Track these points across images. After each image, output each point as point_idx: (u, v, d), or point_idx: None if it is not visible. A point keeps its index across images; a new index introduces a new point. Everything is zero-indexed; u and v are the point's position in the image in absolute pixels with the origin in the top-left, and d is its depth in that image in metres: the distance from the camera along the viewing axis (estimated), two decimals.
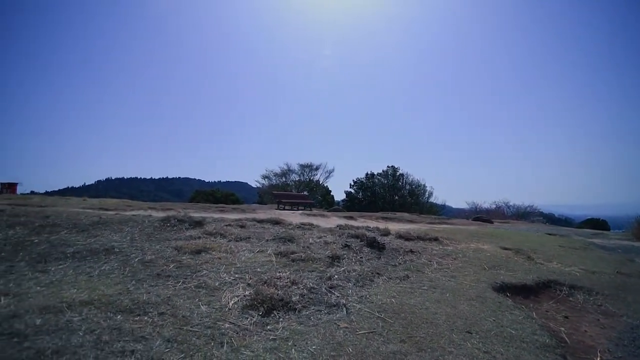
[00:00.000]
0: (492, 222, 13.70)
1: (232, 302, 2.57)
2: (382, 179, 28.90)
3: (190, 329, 2.13)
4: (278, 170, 29.67)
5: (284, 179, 29.56)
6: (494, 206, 26.39)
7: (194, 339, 2.02)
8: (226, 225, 5.47)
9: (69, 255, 3.45)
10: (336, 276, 3.39)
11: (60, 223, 4.85)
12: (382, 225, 7.91)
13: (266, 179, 29.80)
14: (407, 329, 2.45)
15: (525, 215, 24.77)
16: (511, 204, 26.74)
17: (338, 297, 2.91)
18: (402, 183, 28.53)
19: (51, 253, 3.49)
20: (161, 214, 6.20)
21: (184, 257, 3.51)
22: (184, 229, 4.96)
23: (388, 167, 29.23)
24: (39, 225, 4.66)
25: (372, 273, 3.69)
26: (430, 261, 4.50)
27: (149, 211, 6.92)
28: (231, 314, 2.39)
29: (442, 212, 27.31)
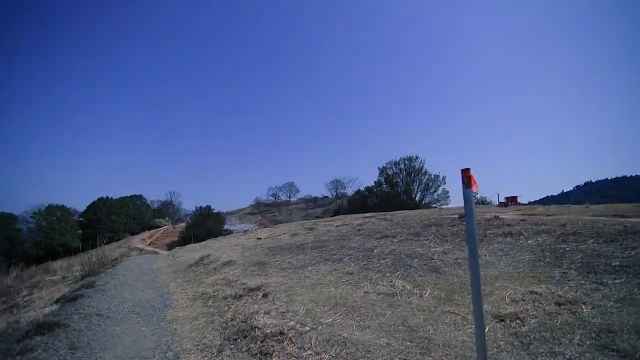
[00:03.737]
0: None
1: None
2: None
3: None
4: None
5: None
6: None
7: None
8: None
9: (617, 268, 3.10)
10: None
11: (580, 231, 4.73)
12: None
13: None
14: None
15: None
16: None
17: None
18: None
19: (594, 264, 3.33)
20: None
21: None
22: None
23: None
24: (560, 233, 4.84)
25: None
26: None
27: None
28: None
29: None
